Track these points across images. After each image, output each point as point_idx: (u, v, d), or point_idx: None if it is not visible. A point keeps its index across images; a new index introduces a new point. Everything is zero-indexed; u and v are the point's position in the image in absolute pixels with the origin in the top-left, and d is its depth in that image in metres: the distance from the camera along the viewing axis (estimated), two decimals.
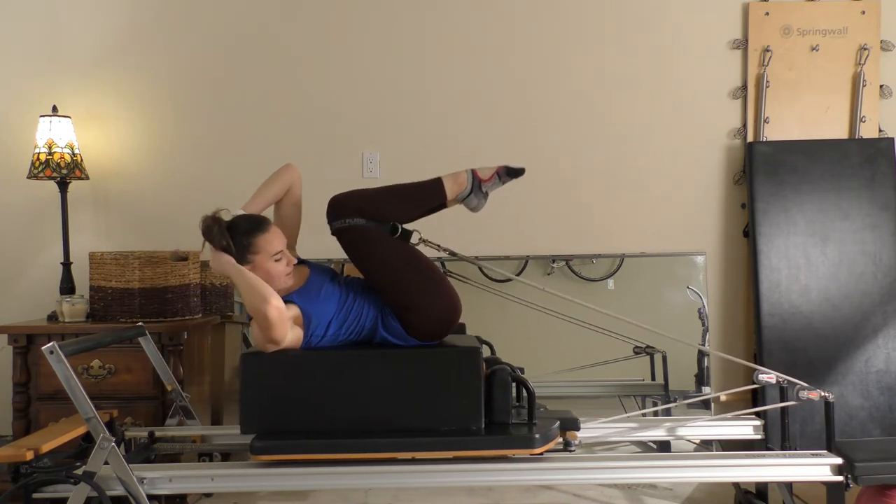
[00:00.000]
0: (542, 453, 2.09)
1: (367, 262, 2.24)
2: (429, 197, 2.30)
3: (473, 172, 2.31)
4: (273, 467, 2.05)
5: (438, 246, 2.38)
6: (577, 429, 2.27)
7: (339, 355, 2.15)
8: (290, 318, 2.13)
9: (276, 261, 2.18)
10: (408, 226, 2.24)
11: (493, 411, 2.12)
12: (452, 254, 2.44)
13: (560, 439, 2.20)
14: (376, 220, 2.20)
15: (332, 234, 2.26)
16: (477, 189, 2.30)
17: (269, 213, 2.37)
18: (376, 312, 2.22)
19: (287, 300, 2.16)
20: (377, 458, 2.06)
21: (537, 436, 2.06)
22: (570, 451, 2.22)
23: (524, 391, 2.23)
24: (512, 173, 2.33)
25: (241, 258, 2.15)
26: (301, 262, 2.35)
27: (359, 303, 2.24)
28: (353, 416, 2.10)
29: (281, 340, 2.10)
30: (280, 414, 2.09)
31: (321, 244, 3.46)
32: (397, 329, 2.20)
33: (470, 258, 2.48)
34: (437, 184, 2.29)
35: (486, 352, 3.12)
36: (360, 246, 2.23)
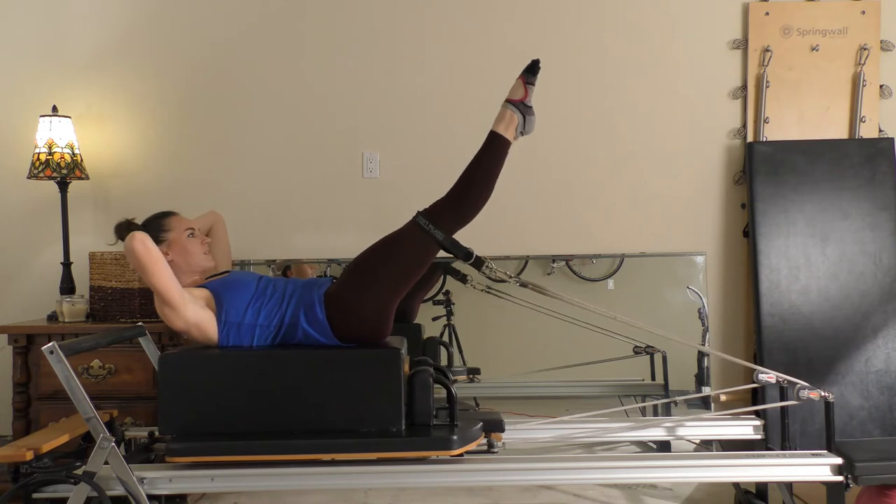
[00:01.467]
0: (461, 454, 2.09)
1: (386, 243, 2.23)
2: (498, 155, 2.29)
3: (511, 101, 2.32)
4: (265, 467, 2.05)
5: (506, 273, 2.36)
6: (502, 430, 2.28)
7: (259, 355, 2.14)
8: (198, 296, 2.19)
9: (190, 236, 2.35)
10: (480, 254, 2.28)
11: (415, 413, 2.12)
12: (523, 284, 2.38)
13: (483, 440, 2.21)
14: (462, 221, 2.24)
15: (412, 220, 2.24)
16: (526, 110, 2.32)
17: None
18: (300, 300, 2.21)
19: (200, 286, 2.26)
20: (298, 459, 2.06)
21: (455, 437, 2.07)
22: (494, 452, 2.23)
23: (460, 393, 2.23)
24: (532, 70, 2.34)
25: (156, 240, 2.24)
26: (227, 272, 2.46)
27: (280, 290, 2.25)
28: (275, 417, 2.09)
29: (185, 314, 2.12)
30: (199, 415, 2.08)
31: (321, 244, 3.47)
32: (321, 324, 2.18)
33: (535, 286, 2.40)
34: (497, 139, 2.29)
35: (443, 353, 3.13)
36: (402, 239, 2.23)
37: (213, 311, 2.19)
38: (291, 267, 3.31)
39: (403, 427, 2.09)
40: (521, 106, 2.32)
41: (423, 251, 2.22)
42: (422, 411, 2.12)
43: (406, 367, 2.16)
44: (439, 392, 2.18)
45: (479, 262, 2.27)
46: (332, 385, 2.10)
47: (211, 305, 2.19)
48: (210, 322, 2.17)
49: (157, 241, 2.27)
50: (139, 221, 2.39)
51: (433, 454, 2.09)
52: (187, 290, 2.20)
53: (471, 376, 3.20)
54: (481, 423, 2.20)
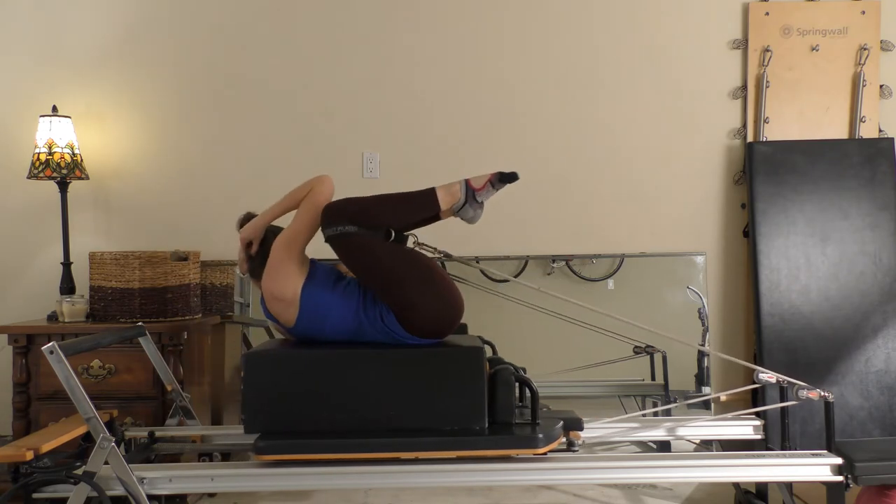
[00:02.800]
0: (545, 453, 2.08)
1: (362, 267, 2.24)
2: (421, 206, 2.29)
3: (467, 182, 2.30)
4: (273, 467, 2.05)
5: (434, 249, 2.37)
6: (581, 429, 2.26)
7: (342, 354, 2.15)
8: (304, 262, 2.25)
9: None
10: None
11: (497, 411, 2.12)
12: (448, 256, 2.43)
13: (563, 439, 2.19)
14: (368, 227, 2.20)
15: (326, 241, 2.26)
16: (472, 199, 2.29)
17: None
18: (376, 308, 2.22)
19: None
20: (380, 457, 2.06)
21: (541, 436, 2.05)
22: (574, 451, 2.21)
23: (527, 391, 2.23)
24: (505, 179, 2.31)
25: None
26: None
27: (359, 294, 2.25)
28: (357, 416, 2.09)
29: (293, 256, 2.21)
30: (283, 413, 2.09)
31: (320, 244, 3.46)
32: (396, 324, 2.20)
33: (466, 259, 2.47)
34: (430, 194, 2.29)
35: (488, 352, 3.12)
36: (355, 252, 2.23)
37: (304, 277, 2.23)
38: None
39: (486, 425, 2.09)
40: (471, 192, 2.29)
41: (370, 244, 2.21)
42: (504, 409, 2.12)
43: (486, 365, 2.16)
44: None
45: (400, 238, 2.25)
46: (414, 384, 2.10)
47: (304, 271, 2.24)
48: (295, 290, 2.20)
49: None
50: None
51: (516, 453, 2.07)
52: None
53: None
54: (562, 422, 2.19)
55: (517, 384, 2.20)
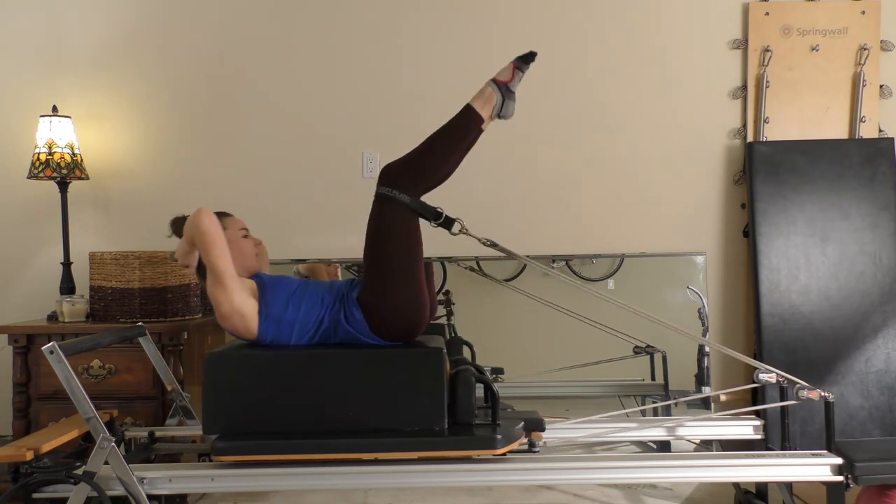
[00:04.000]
0: (504, 454, 2.09)
1: (373, 232, 2.22)
2: (467, 128, 2.27)
3: (496, 81, 2.30)
4: (274, 467, 2.05)
5: (482, 239, 2.34)
6: (542, 429, 2.27)
7: (302, 354, 2.14)
8: (247, 286, 2.19)
9: (245, 236, 2.36)
10: (451, 214, 2.25)
11: (457, 412, 2.12)
12: (494, 245, 2.38)
13: (524, 440, 2.20)
14: (424, 188, 2.21)
15: (375, 196, 2.23)
16: (507, 93, 2.29)
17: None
18: (340, 301, 2.22)
19: (248, 278, 2.26)
20: (340, 458, 2.06)
21: (499, 436, 2.06)
22: (535, 451, 2.22)
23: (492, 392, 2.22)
24: (527, 59, 2.32)
25: None
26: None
27: (318, 290, 2.25)
28: (317, 416, 2.09)
29: (234, 301, 2.12)
30: (243, 414, 2.09)
31: (321, 244, 3.47)
32: (361, 323, 2.18)
33: (513, 252, 2.42)
34: (469, 112, 2.27)
35: (466, 353, 3.12)
36: (384, 217, 2.20)
37: (255, 299, 2.19)
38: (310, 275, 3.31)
39: (446, 426, 2.09)
40: (503, 88, 2.29)
41: (404, 220, 2.18)
42: (464, 410, 2.12)
43: (447, 366, 2.16)
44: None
45: (448, 222, 2.24)
46: (375, 384, 2.10)
47: (255, 293, 2.20)
48: (252, 312, 2.17)
49: None
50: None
51: (476, 454, 2.08)
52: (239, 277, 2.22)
53: (494, 376, 3.20)
54: (522, 423, 2.19)
55: (485, 386, 2.19)
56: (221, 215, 2.38)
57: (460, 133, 2.27)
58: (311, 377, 2.10)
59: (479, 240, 2.35)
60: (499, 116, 2.31)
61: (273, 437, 2.06)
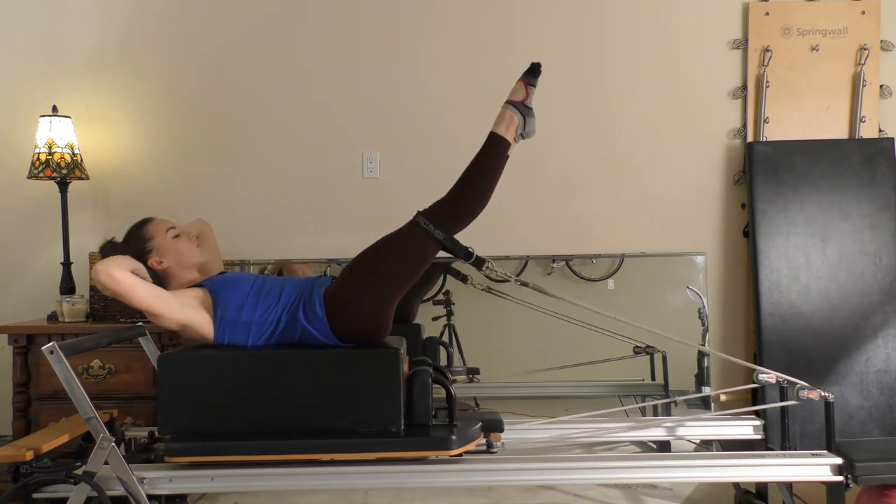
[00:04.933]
0: (460, 454, 2.09)
1: (387, 243, 2.22)
2: (497, 156, 2.28)
3: (511, 103, 2.32)
4: (273, 467, 2.05)
5: (507, 273, 2.35)
6: (501, 430, 2.27)
7: (258, 355, 2.13)
8: (192, 296, 2.16)
9: (175, 237, 2.32)
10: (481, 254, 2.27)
11: (414, 413, 2.11)
12: (524, 284, 2.39)
13: (482, 440, 2.20)
14: (462, 223, 2.22)
15: (412, 220, 2.22)
16: (526, 111, 2.32)
17: None
18: (297, 297, 2.20)
19: (197, 285, 2.23)
20: (297, 459, 2.05)
21: (454, 437, 2.06)
22: (493, 452, 2.23)
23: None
24: (534, 72, 2.34)
25: (143, 252, 2.26)
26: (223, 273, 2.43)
27: (276, 287, 2.23)
28: (274, 417, 2.08)
29: (175, 317, 2.11)
30: (198, 415, 2.08)
31: (321, 244, 3.47)
32: (321, 321, 2.16)
33: (541, 289, 2.40)
34: (496, 140, 2.28)
35: (442, 353, 3.12)
36: (403, 239, 2.21)
37: (208, 309, 2.17)
38: (283, 271, 3.31)
39: (402, 427, 2.09)
40: (521, 107, 2.31)
41: (423, 251, 2.20)
42: (421, 411, 2.12)
43: (405, 367, 2.16)
44: (439, 392, 2.17)
45: (479, 262, 2.27)
46: (331, 385, 2.09)
47: (206, 304, 2.17)
48: (203, 322, 2.16)
49: (143, 252, 2.27)
50: (120, 238, 2.36)
51: (432, 454, 2.08)
52: (180, 292, 2.19)
53: (470, 376, 3.20)
54: (480, 423, 2.20)
55: (444, 387, 2.19)
56: (143, 225, 2.34)
57: (494, 164, 2.28)
58: (268, 377, 2.09)
59: (508, 278, 2.35)
60: (522, 136, 2.33)
61: (229, 437, 2.06)
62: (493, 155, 2.28)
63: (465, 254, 2.24)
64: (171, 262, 2.30)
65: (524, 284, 2.38)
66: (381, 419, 2.09)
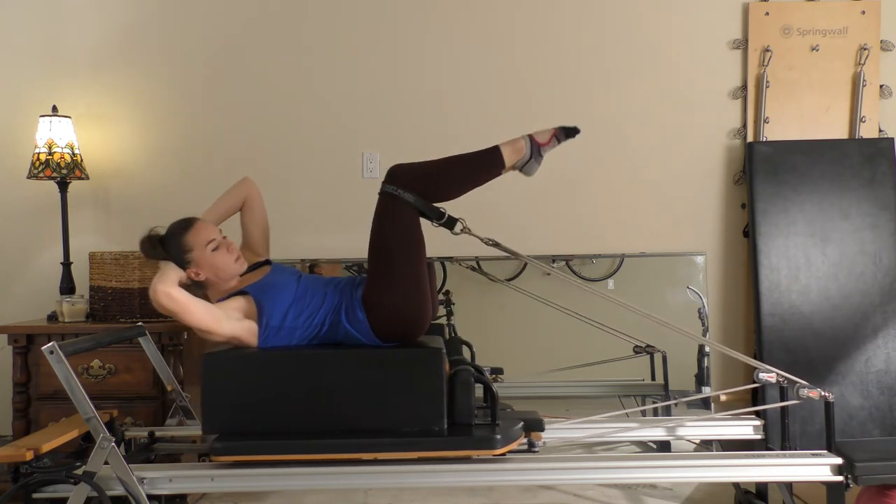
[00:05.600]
0: (504, 454, 2.08)
1: (378, 230, 2.22)
2: (487, 167, 2.29)
3: (531, 138, 2.31)
4: (273, 467, 2.05)
5: (484, 238, 2.35)
6: (542, 429, 2.26)
7: (301, 355, 2.14)
8: (236, 307, 2.16)
9: (214, 250, 2.25)
10: (454, 213, 2.26)
11: (456, 412, 2.11)
12: (496, 244, 2.39)
13: (524, 440, 2.20)
14: (427, 197, 2.20)
15: (379, 193, 2.23)
16: (536, 154, 2.31)
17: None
18: (339, 301, 2.21)
19: (240, 292, 2.21)
20: (339, 458, 2.06)
21: (498, 437, 2.06)
22: (534, 451, 2.22)
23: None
24: (569, 133, 2.34)
25: (181, 261, 2.22)
26: (266, 262, 2.42)
27: (320, 291, 2.24)
28: (316, 417, 2.09)
29: (224, 332, 2.12)
30: (242, 414, 2.09)
31: (321, 244, 3.47)
32: (363, 323, 2.17)
33: (514, 252, 2.43)
34: (494, 153, 2.29)
35: (465, 352, 3.12)
36: (389, 215, 2.20)
37: (253, 318, 2.17)
38: (319, 266, 3.31)
39: (445, 426, 2.09)
40: (535, 148, 2.31)
41: (407, 219, 2.19)
42: (463, 410, 2.11)
43: (446, 367, 2.16)
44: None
45: (451, 222, 2.25)
46: (374, 385, 2.10)
47: (251, 313, 2.17)
48: (249, 332, 2.16)
49: (182, 262, 2.22)
50: (161, 230, 2.30)
51: (475, 454, 2.07)
52: (225, 304, 2.18)
53: (494, 376, 3.20)
54: (522, 423, 2.19)
55: (485, 386, 2.19)
56: (185, 229, 2.26)
57: (480, 168, 2.30)
58: (311, 377, 2.10)
59: (481, 239, 2.35)
60: (520, 171, 2.33)
61: (272, 437, 2.06)
62: (484, 162, 2.30)
63: (437, 214, 2.23)
64: (208, 275, 2.25)
65: (496, 244, 2.38)
66: (423, 418, 2.09)
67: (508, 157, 2.29)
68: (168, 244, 2.25)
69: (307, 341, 2.21)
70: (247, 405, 2.09)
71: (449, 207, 2.30)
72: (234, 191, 2.52)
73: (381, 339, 2.19)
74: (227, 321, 2.14)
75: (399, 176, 2.22)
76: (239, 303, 2.19)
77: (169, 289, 2.09)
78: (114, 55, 3.42)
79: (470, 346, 3.15)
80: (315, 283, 2.29)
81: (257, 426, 2.09)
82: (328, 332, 2.21)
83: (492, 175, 2.31)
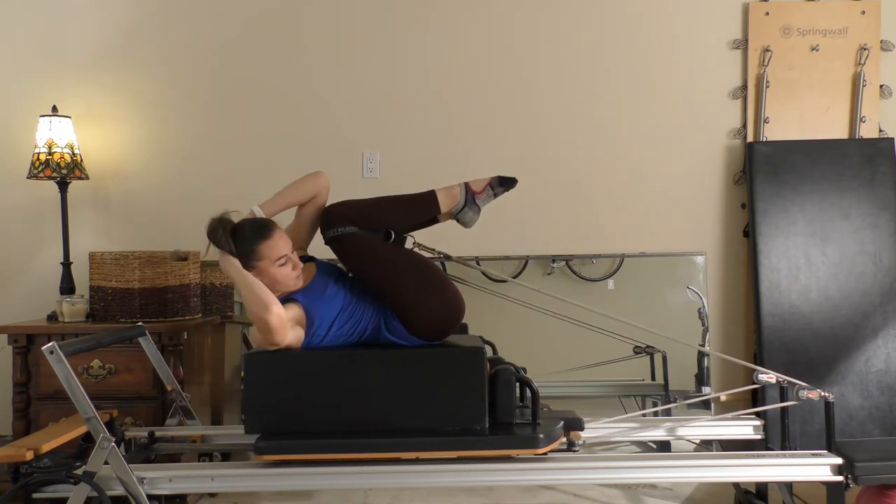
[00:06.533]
0: (546, 453, 2.09)
1: (363, 267, 2.24)
2: (421, 208, 2.30)
3: (467, 186, 2.32)
4: (273, 467, 2.05)
5: (433, 250, 2.38)
6: (581, 429, 2.26)
7: (342, 355, 2.14)
8: (290, 317, 2.12)
9: (281, 265, 2.17)
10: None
11: (497, 411, 2.12)
12: (447, 256, 2.44)
13: (564, 439, 2.20)
14: (368, 228, 2.20)
15: (326, 243, 2.25)
16: (471, 202, 2.32)
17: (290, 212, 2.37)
18: (378, 315, 2.23)
19: (291, 298, 2.17)
20: (380, 458, 2.06)
21: (541, 436, 2.06)
22: (574, 450, 2.21)
23: (528, 391, 2.23)
24: (505, 183, 2.33)
25: (246, 264, 2.15)
26: (310, 259, 2.37)
27: (361, 305, 2.24)
28: (357, 416, 2.10)
29: (281, 343, 2.10)
30: (284, 414, 2.10)
31: (320, 244, 3.46)
32: (400, 330, 2.20)
33: (465, 260, 2.48)
34: (430, 196, 2.30)
35: (488, 352, 3.12)
36: (355, 253, 2.23)
37: (302, 325, 2.16)
38: None
39: (487, 425, 2.09)
40: (469, 196, 2.32)
41: (370, 244, 2.21)
42: (504, 410, 2.12)
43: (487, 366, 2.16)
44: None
45: (401, 240, 2.26)
46: (415, 384, 2.10)
47: (301, 322, 2.16)
48: (297, 340, 2.15)
49: (247, 265, 2.15)
50: (234, 217, 2.23)
51: (517, 453, 2.08)
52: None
53: None
54: (562, 422, 2.19)
55: (519, 384, 2.20)
56: (262, 237, 2.17)
57: (413, 208, 2.31)
58: (351, 377, 2.11)
59: (431, 251, 2.37)
60: (455, 218, 2.33)
61: (313, 436, 2.07)
62: (418, 203, 2.31)
63: (385, 235, 2.23)
64: (265, 283, 2.15)
65: (448, 258, 2.45)
66: (465, 418, 2.09)
67: (443, 202, 2.30)
68: (240, 242, 2.16)
69: (351, 342, 2.23)
70: (289, 405, 2.10)
71: None
72: (304, 184, 2.37)
73: (421, 338, 2.21)
74: (291, 330, 2.12)
75: (332, 217, 2.23)
76: (294, 311, 2.15)
77: (280, 310, 2.06)
78: (114, 55, 3.42)
79: (493, 346, 3.16)
80: (361, 292, 2.26)
81: (299, 425, 2.09)
82: (369, 338, 2.24)
83: (427, 216, 2.32)
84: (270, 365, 2.11)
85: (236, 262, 2.13)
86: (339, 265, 2.36)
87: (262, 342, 2.12)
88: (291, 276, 2.19)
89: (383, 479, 2.07)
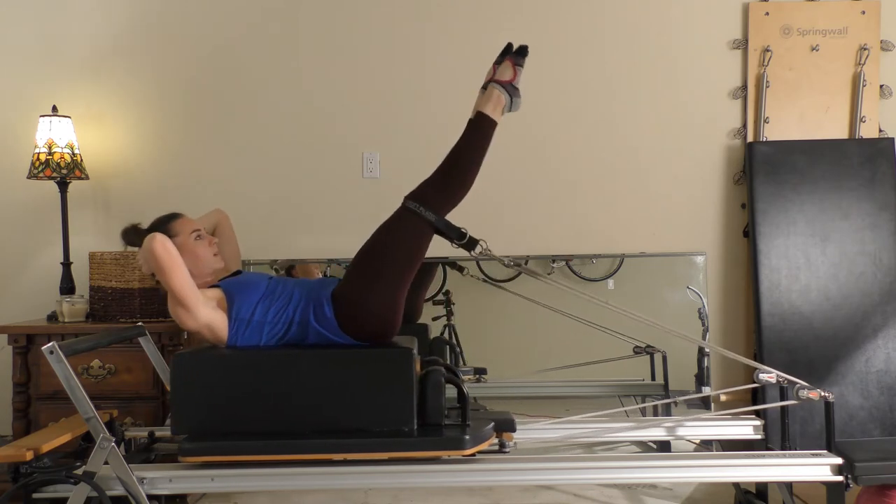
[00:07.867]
0: (473, 454, 2.08)
1: (383, 236, 2.23)
2: (486, 139, 2.32)
3: (499, 83, 2.35)
4: (273, 467, 2.05)
5: (506, 258, 2.37)
6: (513, 430, 2.27)
7: (271, 355, 2.14)
8: (210, 297, 2.19)
9: (198, 238, 2.33)
10: (475, 234, 2.30)
11: (427, 412, 2.11)
12: (516, 264, 2.41)
13: (495, 440, 2.20)
14: (451, 203, 2.26)
15: (402, 206, 2.26)
16: (513, 91, 2.35)
17: None
18: (308, 300, 2.22)
19: (213, 286, 2.27)
20: (309, 459, 2.05)
21: (468, 437, 2.06)
22: (505, 451, 2.22)
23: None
24: (521, 53, 2.39)
25: None
26: (238, 273, 2.48)
27: (286, 292, 2.25)
28: (287, 417, 2.08)
29: (198, 316, 2.14)
30: (211, 414, 2.08)
31: (321, 244, 3.47)
32: (330, 321, 2.18)
33: (533, 271, 2.42)
34: (483, 120, 2.31)
35: (446, 353, 3.13)
36: (400, 230, 2.23)
37: (224, 310, 2.20)
38: (296, 266, 3.32)
39: (415, 427, 2.09)
40: (509, 87, 2.34)
41: (418, 235, 2.22)
42: (433, 411, 2.11)
43: (417, 367, 2.15)
44: (450, 392, 2.16)
45: (472, 243, 2.27)
46: (344, 385, 2.09)
47: (222, 305, 2.21)
48: (221, 322, 2.19)
49: None
50: (144, 225, 2.38)
51: (445, 454, 2.08)
52: (201, 291, 2.21)
53: (477, 376, 3.20)
54: (493, 423, 2.19)
55: (456, 387, 2.18)
56: (171, 219, 2.36)
57: (481, 143, 2.32)
58: (281, 377, 2.10)
59: (502, 261, 2.36)
60: (509, 111, 2.37)
61: (242, 437, 2.06)
62: (481, 135, 2.31)
63: (459, 234, 2.25)
64: (187, 264, 2.24)
65: (517, 265, 2.39)
66: (393, 419, 2.08)
67: (494, 112, 2.32)
68: (153, 227, 2.33)
69: (275, 341, 2.21)
70: (217, 405, 2.08)
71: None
72: (205, 217, 2.64)
73: (350, 336, 2.19)
74: (204, 305, 2.16)
75: (421, 196, 2.26)
76: (213, 293, 2.23)
77: (165, 240, 2.13)
78: (114, 55, 3.42)
79: (452, 348, 3.15)
80: (285, 282, 2.32)
81: (228, 426, 2.08)
82: (297, 331, 2.21)
83: (491, 139, 2.33)
84: (198, 364, 2.10)
85: (157, 234, 2.15)
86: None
87: (181, 316, 2.15)
88: (209, 252, 2.34)
89: (313, 480, 2.06)
